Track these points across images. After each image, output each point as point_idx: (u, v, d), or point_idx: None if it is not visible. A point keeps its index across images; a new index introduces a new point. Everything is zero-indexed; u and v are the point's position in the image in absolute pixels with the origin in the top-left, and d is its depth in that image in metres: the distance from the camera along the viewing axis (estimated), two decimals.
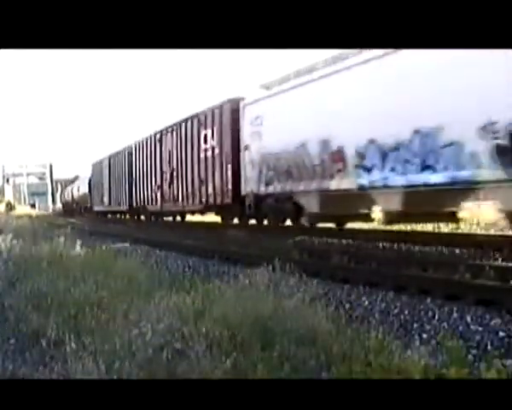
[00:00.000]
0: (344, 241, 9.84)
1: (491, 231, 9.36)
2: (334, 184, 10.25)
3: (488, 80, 7.01)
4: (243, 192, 13.36)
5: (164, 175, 19.28)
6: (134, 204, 23.11)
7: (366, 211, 9.58)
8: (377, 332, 3.33)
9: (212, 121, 14.94)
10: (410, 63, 8.26)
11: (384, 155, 9.03)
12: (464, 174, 7.58)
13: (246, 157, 13.22)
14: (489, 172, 7.20)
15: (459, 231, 10.51)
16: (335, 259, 7.29)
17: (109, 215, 29.42)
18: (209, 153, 15.19)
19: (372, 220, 10.01)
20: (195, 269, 7.98)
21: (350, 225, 11.92)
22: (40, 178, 74.24)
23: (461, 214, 8.06)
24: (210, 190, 15.08)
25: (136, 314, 3.89)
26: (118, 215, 28.19)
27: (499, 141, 7.01)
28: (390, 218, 9.31)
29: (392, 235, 9.69)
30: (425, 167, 8.30)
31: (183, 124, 17.20)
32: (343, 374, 2.78)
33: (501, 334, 3.89)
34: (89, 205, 32.96)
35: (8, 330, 4.50)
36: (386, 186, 9.04)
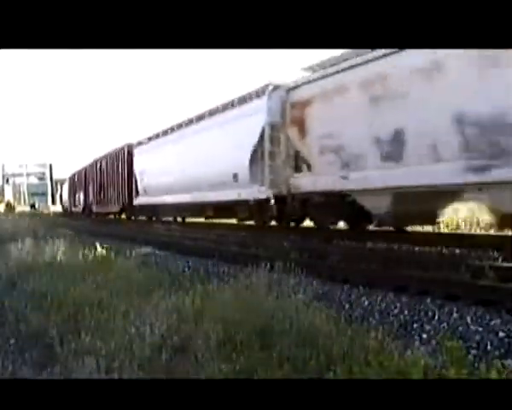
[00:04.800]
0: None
1: (491, 231, 9.41)
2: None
3: None
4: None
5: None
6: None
7: None
8: (377, 333, 3.33)
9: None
10: None
11: None
12: None
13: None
14: None
15: (459, 231, 10.53)
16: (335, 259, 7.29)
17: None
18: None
19: None
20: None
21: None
22: (40, 178, 74.24)
23: None
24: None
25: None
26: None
27: None
28: None
29: (392, 235, 9.70)
30: None
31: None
32: (343, 374, 2.78)
33: (501, 334, 3.89)
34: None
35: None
36: None
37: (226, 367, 2.94)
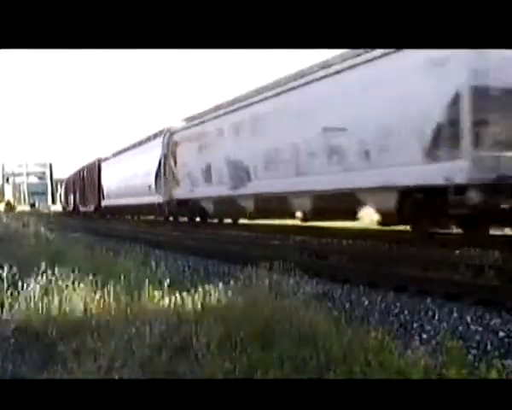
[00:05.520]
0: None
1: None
2: None
3: None
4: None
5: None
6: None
7: None
8: (377, 333, 3.33)
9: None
10: None
11: None
12: None
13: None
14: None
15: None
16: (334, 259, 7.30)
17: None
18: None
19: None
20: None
21: (349, 225, 11.94)
22: (40, 178, 74.15)
23: None
24: None
25: None
26: None
27: None
28: None
29: (392, 235, 9.71)
30: None
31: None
32: (343, 374, 2.78)
33: (501, 334, 3.89)
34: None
35: None
36: None
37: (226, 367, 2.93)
